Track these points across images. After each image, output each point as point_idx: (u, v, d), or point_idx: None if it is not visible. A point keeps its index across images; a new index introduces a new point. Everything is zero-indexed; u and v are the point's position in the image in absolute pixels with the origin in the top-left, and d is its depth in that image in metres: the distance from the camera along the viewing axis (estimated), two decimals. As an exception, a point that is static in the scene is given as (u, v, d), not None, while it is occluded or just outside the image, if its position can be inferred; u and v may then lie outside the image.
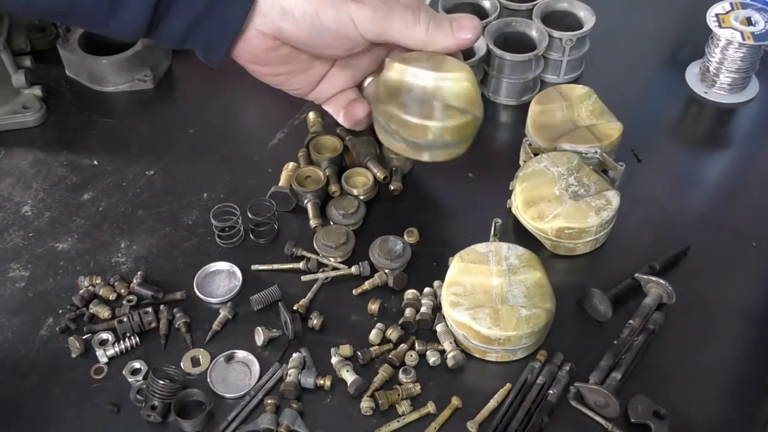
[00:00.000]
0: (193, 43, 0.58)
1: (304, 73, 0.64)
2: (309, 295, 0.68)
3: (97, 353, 0.64)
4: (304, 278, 0.69)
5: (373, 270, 0.70)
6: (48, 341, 0.65)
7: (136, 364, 0.63)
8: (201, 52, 0.59)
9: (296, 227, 0.74)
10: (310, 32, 0.57)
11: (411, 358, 0.64)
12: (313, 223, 0.72)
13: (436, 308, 0.67)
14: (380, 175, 0.75)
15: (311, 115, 0.81)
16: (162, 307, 0.66)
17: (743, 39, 0.82)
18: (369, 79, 0.69)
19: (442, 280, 0.67)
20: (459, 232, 0.73)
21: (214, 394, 0.62)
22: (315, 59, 0.64)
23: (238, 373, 0.63)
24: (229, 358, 0.64)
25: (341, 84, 0.67)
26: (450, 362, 0.63)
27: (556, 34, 0.84)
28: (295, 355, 0.64)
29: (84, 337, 0.65)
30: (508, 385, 0.63)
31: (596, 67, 0.90)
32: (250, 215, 0.71)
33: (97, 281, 0.68)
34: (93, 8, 0.54)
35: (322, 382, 0.62)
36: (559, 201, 0.70)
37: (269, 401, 0.61)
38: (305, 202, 0.74)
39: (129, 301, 0.67)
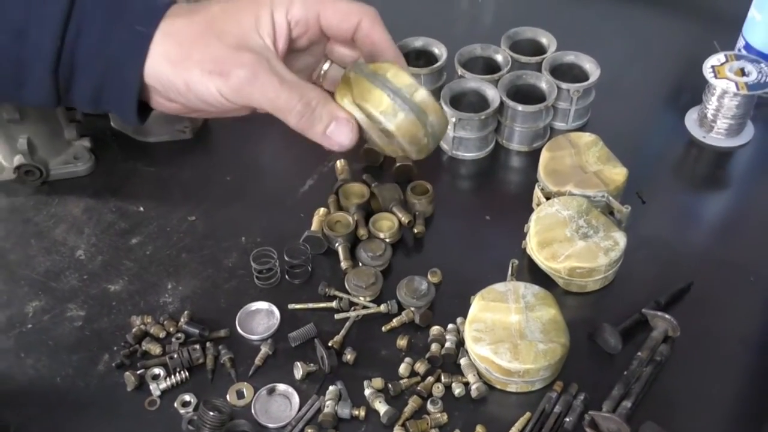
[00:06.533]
0: (108, 105, 0.58)
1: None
2: (342, 331, 0.73)
3: (150, 387, 0.69)
4: (337, 316, 0.75)
5: (401, 308, 0.75)
6: (105, 376, 0.71)
7: (187, 397, 0.69)
8: (117, 113, 0.59)
9: (328, 269, 0.79)
10: (184, 101, 0.56)
11: (438, 389, 0.69)
12: (344, 264, 0.78)
13: (460, 343, 0.72)
14: (405, 219, 0.81)
15: (339, 163, 0.88)
16: (208, 344, 0.72)
17: (737, 89, 0.88)
18: (325, 66, 0.62)
19: (465, 317, 0.72)
20: (478, 271, 0.78)
21: (258, 425, 0.67)
22: None
23: (279, 405, 0.69)
24: (271, 391, 0.70)
25: None
26: (474, 393, 0.69)
27: (564, 85, 0.91)
28: (331, 387, 0.69)
29: (138, 372, 0.70)
30: (527, 414, 0.68)
31: (602, 115, 0.96)
32: (286, 258, 0.77)
33: (148, 320, 0.74)
34: (3, 81, 0.55)
35: (357, 412, 0.67)
36: (570, 242, 0.76)
37: (309, 430, 0.66)
38: (336, 245, 0.80)
39: (177, 338, 0.73)
